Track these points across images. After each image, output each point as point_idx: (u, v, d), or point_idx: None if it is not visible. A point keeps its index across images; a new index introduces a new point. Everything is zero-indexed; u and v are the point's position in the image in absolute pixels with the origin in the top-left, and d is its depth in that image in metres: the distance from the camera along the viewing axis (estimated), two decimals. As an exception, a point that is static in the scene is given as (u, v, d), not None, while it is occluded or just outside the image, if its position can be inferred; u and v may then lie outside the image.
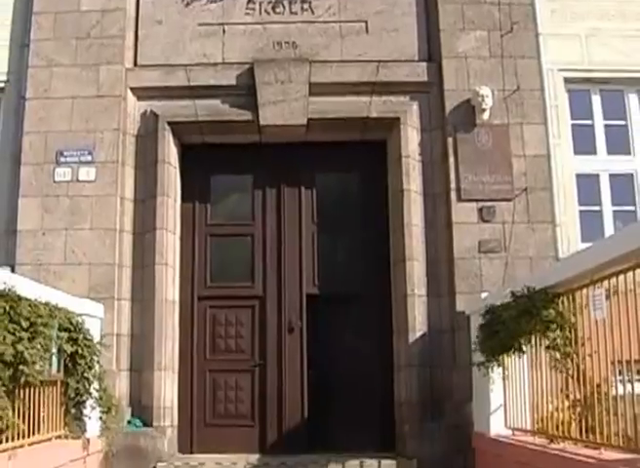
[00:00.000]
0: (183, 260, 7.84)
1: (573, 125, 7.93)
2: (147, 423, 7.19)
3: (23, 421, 5.19)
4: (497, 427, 6.31)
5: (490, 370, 6.00)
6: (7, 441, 4.91)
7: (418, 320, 7.30)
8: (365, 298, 7.81)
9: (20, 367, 4.76)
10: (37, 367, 5.06)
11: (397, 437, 7.31)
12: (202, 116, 7.65)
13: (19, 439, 5.15)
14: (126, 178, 7.59)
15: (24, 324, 4.80)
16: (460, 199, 7.39)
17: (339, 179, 8.18)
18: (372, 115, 7.63)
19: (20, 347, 4.67)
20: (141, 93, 7.76)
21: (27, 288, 5.10)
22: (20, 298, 4.82)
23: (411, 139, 7.60)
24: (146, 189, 7.61)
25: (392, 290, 7.63)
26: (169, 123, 7.62)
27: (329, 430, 7.64)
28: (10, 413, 4.82)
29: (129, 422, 7.19)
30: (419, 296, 7.35)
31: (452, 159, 7.45)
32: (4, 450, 4.86)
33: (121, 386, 7.24)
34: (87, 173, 7.50)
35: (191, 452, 7.49)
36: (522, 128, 7.53)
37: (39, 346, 5.01)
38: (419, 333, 7.28)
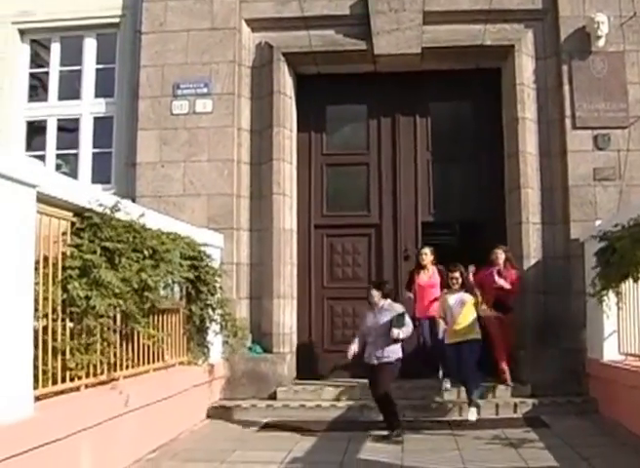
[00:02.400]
0: (300, 190, 7.94)
1: (691, 52, 7.82)
2: (267, 349, 7.39)
3: (149, 348, 5.42)
4: (610, 353, 6.36)
5: (604, 297, 6.01)
6: (133, 367, 5.16)
7: (532, 247, 7.35)
8: (480, 226, 7.88)
9: (145, 293, 4.96)
10: (160, 292, 5.30)
11: (512, 362, 7.37)
12: (316, 46, 7.68)
13: (144, 364, 5.41)
14: (242, 110, 7.69)
15: (147, 252, 4.98)
16: (574, 127, 7.37)
17: (453, 108, 8.19)
18: (486, 43, 7.59)
19: (143, 275, 4.85)
20: (256, 24, 7.81)
21: (150, 218, 5.24)
22: (143, 228, 4.99)
23: (525, 67, 7.56)
24: (262, 120, 7.69)
25: (507, 217, 7.66)
26: (284, 54, 7.67)
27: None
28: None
29: (249, 349, 7.38)
30: (533, 224, 7.39)
31: (566, 87, 7.41)
32: (131, 375, 5.11)
33: (241, 314, 7.41)
34: (204, 105, 7.61)
35: (310, 378, 7.64)
36: (638, 55, 7.42)
37: (162, 274, 5.19)
38: (533, 261, 7.33)
